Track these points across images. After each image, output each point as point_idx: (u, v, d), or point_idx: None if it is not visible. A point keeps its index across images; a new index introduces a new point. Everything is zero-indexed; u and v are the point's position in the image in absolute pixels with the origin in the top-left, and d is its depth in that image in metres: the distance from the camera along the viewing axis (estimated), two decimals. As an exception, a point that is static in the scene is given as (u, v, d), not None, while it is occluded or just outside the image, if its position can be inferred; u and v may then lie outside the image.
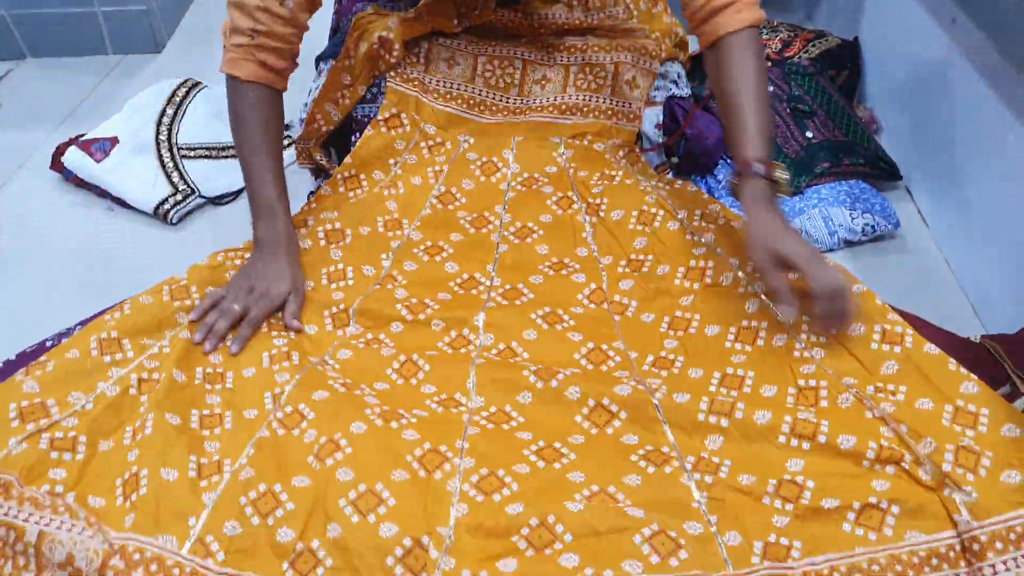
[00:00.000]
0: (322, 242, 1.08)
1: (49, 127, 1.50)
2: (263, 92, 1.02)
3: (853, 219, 1.16)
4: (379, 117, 1.17)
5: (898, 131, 1.36)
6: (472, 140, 1.20)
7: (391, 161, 1.17)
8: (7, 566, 0.73)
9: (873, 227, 1.17)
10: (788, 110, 1.31)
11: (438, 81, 1.20)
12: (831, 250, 1.17)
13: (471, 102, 1.21)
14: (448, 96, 1.21)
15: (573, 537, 0.74)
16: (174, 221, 1.26)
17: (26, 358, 0.94)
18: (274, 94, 1.03)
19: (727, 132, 0.99)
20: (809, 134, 1.28)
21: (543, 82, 1.22)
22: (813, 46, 1.48)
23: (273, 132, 1.03)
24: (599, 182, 1.16)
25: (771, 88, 1.34)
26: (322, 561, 0.74)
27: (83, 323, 0.98)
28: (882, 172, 1.27)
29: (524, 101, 1.22)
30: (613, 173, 1.16)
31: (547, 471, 0.82)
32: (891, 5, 1.40)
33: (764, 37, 1.51)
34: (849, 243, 1.18)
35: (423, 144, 1.19)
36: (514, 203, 1.16)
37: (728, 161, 1.31)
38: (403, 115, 1.18)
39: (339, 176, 1.15)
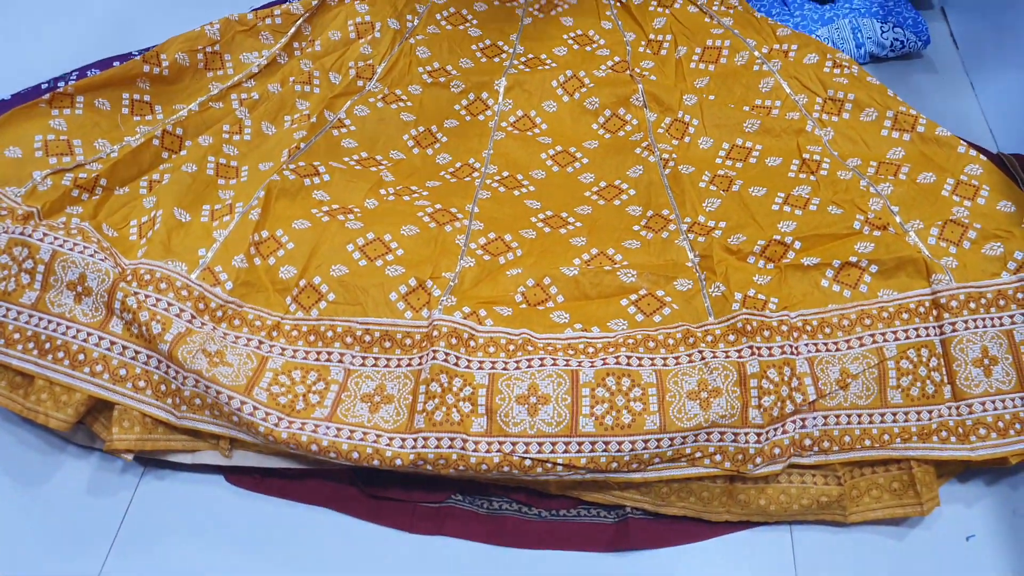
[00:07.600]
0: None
1: None
2: None
3: (883, 32, 1.12)
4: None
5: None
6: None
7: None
8: (10, 283, 0.75)
9: (902, 42, 1.12)
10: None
11: None
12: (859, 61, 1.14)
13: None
14: None
15: (565, 299, 0.78)
16: None
17: (19, 99, 0.94)
18: None
19: None
20: (850, -59, 1.20)
21: None
22: None
23: None
24: None
25: None
26: (324, 296, 0.77)
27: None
28: (920, -13, 1.21)
29: None
30: None
31: (552, 236, 0.85)
32: None
33: None
34: (875, 57, 1.14)
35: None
36: None
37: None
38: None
39: None
